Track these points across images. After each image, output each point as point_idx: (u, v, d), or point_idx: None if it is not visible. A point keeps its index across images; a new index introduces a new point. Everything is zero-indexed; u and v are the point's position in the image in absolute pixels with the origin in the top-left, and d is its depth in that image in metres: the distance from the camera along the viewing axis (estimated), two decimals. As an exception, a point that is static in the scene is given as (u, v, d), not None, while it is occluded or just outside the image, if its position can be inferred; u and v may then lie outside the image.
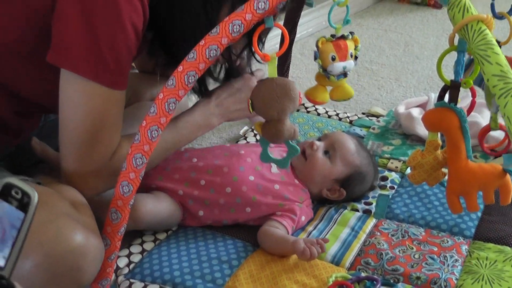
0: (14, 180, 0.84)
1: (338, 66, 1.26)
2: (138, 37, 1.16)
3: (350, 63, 1.27)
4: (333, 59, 1.25)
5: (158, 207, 1.33)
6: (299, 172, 1.42)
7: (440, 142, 1.07)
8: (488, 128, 1.20)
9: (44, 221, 1.03)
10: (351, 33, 1.29)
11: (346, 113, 1.88)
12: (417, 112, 1.72)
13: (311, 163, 1.41)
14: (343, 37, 1.27)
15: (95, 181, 1.23)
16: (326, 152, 1.41)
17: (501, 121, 1.06)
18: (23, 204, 0.82)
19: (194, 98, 2.02)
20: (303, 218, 1.36)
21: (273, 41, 2.11)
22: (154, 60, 1.44)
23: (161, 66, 1.43)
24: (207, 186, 1.36)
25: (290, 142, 1.08)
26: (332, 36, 1.26)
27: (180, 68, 1.01)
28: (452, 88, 1.02)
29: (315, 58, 1.28)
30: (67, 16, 1.10)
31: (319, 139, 1.46)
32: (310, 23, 2.55)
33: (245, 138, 1.74)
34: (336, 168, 1.40)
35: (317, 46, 1.27)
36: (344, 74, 1.27)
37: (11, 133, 1.30)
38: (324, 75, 1.27)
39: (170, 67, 1.36)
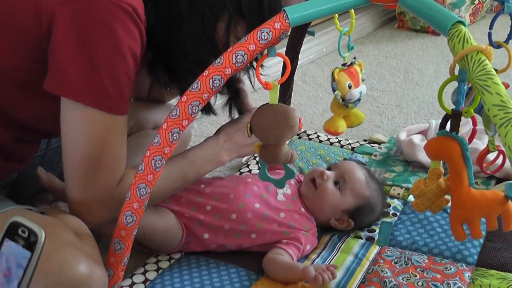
0: (21, 219, 0.83)
1: (355, 93, 1.28)
2: (137, 63, 1.17)
3: (363, 87, 1.29)
4: (350, 87, 1.27)
5: (155, 219, 1.34)
6: (308, 201, 1.42)
7: (442, 170, 1.08)
8: (487, 151, 1.21)
9: (49, 251, 1.03)
10: (354, 58, 1.31)
11: (348, 140, 1.88)
12: (418, 139, 1.73)
13: (321, 193, 1.41)
14: (352, 64, 1.29)
15: (100, 210, 1.21)
16: (336, 183, 1.41)
17: (497, 142, 1.07)
18: (30, 243, 0.82)
19: (195, 125, 2.04)
20: (308, 247, 1.36)
21: (275, 68, 2.13)
22: (150, 81, 1.44)
23: (162, 84, 1.41)
24: (212, 211, 1.37)
25: (288, 165, 1.09)
26: (343, 65, 1.28)
27: (184, 98, 1.02)
28: (454, 117, 1.04)
29: (334, 90, 1.29)
30: (64, 45, 1.10)
31: (329, 168, 1.46)
32: (311, 50, 2.57)
33: (248, 166, 1.74)
34: (346, 200, 1.40)
35: (333, 77, 1.28)
36: (359, 99, 1.29)
37: (14, 160, 1.30)
38: (342, 104, 1.29)
39: (171, 84, 1.38)
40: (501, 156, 1.23)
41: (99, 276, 1.07)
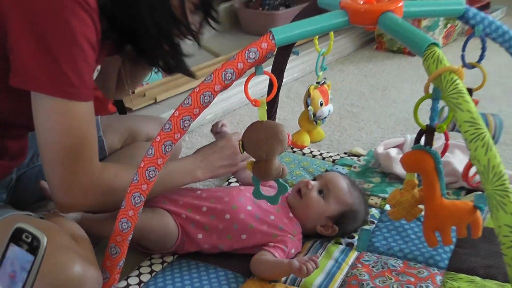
0: (25, 225, 0.84)
1: (325, 110, 1.28)
2: (94, 50, 1.14)
3: (331, 106, 1.28)
4: (321, 104, 1.27)
5: (153, 219, 1.33)
6: (295, 210, 1.42)
7: (417, 181, 1.08)
8: (470, 165, 1.21)
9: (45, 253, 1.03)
10: (325, 78, 1.31)
11: (329, 152, 1.88)
12: (395, 152, 1.72)
13: (306, 202, 1.40)
14: (324, 83, 1.29)
15: (84, 195, 1.18)
16: (320, 192, 1.41)
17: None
18: (33, 248, 0.83)
19: (187, 138, 2.03)
20: (293, 250, 1.35)
21: (261, 85, 2.13)
22: (117, 68, 1.43)
23: (131, 60, 1.39)
24: (208, 212, 1.37)
25: (280, 180, 1.08)
26: (317, 83, 1.28)
27: (176, 113, 1.02)
28: (427, 132, 1.04)
29: (308, 105, 1.29)
30: (21, 42, 1.08)
31: (314, 179, 1.45)
32: (295, 68, 2.57)
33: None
34: (330, 207, 1.39)
35: (308, 93, 1.28)
36: (325, 118, 1.29)
37: (5, 158, 1.27)
38: (313, 120, 1.28)
39: (140, 59, 1.35)
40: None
41: (93, 276, 1.07)
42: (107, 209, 1.29)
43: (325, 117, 1.28)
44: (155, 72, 2.11)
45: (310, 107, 1.29)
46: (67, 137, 1.13)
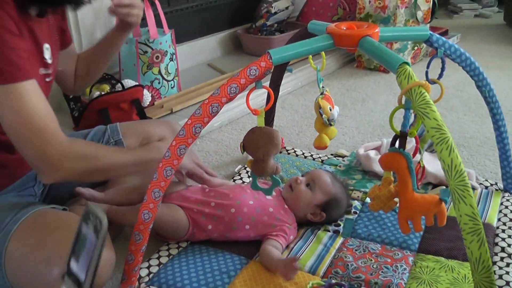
0: (93, 206, 0.80)
1: (334, 113, 1.28)
2: (14, 33, 1.08)
3: (337, 108, 1.29)
4: (330, 109, 1.27)
5: (166, 213, 1.32)
6: (288, 202, 1.42)
7: (392, 178, 1.08)
8: (419, 167, 1.21)
9: (65, 239, 1.02)
10: (323, 87, 1.32)
11: (318, 154, 1.87)
12: (373, 154, 1.72)
13: (296, 193, 1.40)
14: (325, 91, 1.29)
15: (59, 165, 1.12)
16: (307, 185, 1.41)
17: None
18: (97, 230, 0.79)
19: (198, 142, 2.03)
20: (291, 237, 1.36)
21: (261, 97, 2.13)
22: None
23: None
24: (216, 206, 1.36)
25: (274, 176, 1.09)
26: (321, 94, 1.29)
27: (189, 121, 1.02)
28: (401, 137, 1.04)
29: (321, 115, 1.29)
30: None
31: (302, 176, 1.45)
32: (289, 83, 2.57)
33: (239, 174, 1.73)
34: (316, 196, 1.39)
35: (319, 104, 1.29)
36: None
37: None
38: (327, 124, 1.29)
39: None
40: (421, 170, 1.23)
41: (107, 256, 1.07)
42: (85, 180, 1.28)
43: (335, 118, 1.29)
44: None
45: (324, 116, 1.29)
46: (20, 116, 1.08)
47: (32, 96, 1.09)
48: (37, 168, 1.14)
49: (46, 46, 1.23)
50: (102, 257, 1.01)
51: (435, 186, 1.60)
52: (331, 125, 1.30)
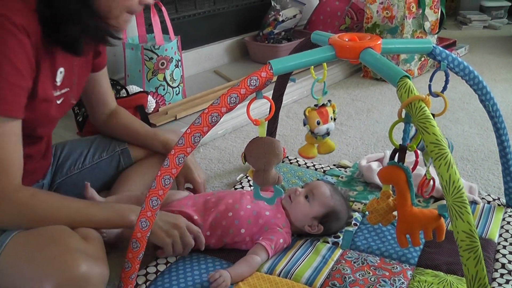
0: None
1: (322, 128, 1.27)
2: (17, 69, 1.05)
3: (331, 125, 1.28)
4: (318, 123, 1.26)
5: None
6: (286, 211, 1.41)
7: (391, 192, 1.07)
8: (425, 179, 1.21)
9: (54, 256, 1.03)
10: (329, 101, 1.31)
11: (320, 164, 1.87)
12: (376, 165, 1.71)
13: (294, 205, 1.40)
14: (323, 105, 1.28)
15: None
16: (306, 196, 1.40)
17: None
18: None
19: (201, 150, 2.03)
20: (281, 240, 1.34)
21: (265, 106, 2.13)
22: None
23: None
24: (215, 211, 1.37)
25: (276, 186, 1.08)
26: (315, 105, 1.28)
27: (188, 130, 1.01)
28: (400, 151, 1.03)
29: (304, 124, 1.29)
30: None
31: (302, 187, 1.45)
32: (294, 92, 2.57)
33: (241, 183, 1.72)
34: (314, 209, 1.38)
35: (304, 114, 1.28)
36: (327, 134, 1.29)
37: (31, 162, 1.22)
38: (312, 136, 1.28)
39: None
40: (431, 182, 1.23)
41: (99, 273, 1.05)
42: (27, 227, 1.10)
43: (324, 134, 1.28)
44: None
45: (306, 125, 1.29)
46: None
47: (5, 135, 1.06)
48: None
49: (60, 70, 1.22)
50: (92, 274, 1.01)
51: (436, 199, 1.59)
52: (316, 138, 1.29)
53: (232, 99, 1.00)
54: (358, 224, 1.48)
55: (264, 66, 1.02)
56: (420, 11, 2.74)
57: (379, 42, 1.08)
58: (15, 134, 1.09)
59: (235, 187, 1.70)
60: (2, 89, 1.04)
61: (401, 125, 1.03)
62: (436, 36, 2.90)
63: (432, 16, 2.80)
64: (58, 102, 1.24)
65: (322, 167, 1.84)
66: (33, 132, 1.11)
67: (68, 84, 1.27)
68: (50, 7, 1.10)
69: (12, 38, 1.04)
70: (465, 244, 0.81)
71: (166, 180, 1.04)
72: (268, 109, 1.06)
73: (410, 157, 1.15)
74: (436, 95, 1.22)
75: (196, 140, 1.01)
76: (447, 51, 1.23)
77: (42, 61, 1.13)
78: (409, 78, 0.94)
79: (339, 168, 1.84)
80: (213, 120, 1.01)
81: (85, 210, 1.18)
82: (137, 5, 1.20)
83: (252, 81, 1.01)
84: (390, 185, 1.07)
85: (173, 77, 2.28)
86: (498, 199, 1.60)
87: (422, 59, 2.88)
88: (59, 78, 1.22)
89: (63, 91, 1.25)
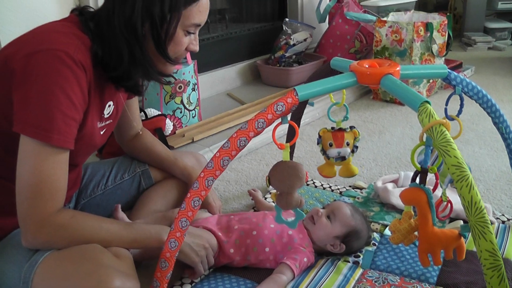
0: None
1: (333, 151, 1.30)
2: (71, 100, 1.09)
3: (345, 150, 1.31)
4: (330, 145, 1.29)
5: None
6: (309, 232, 1.45)
7: (413, 213, 1.10)
8: (440, 201, 1.24)
9: (89, 272, 1.07)
10: (352, 127, 1.33)
11: (337, 185, 1.90)
12: (391, 186, 1.74)
13: (317, 225, 1.44)
14: (341, 129, 1.31)
15: (36, 233, 1.10)
16: (328, 217, 1.44)
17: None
18: None
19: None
20: (305, 259, 1.38)
21: (279, 129, 2.16)
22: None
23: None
24: (239, 229, 1.41)
25: (298, 210, 1.11)
26: (332, 128, 1.31)
27: (217, 154, 1.05)
28: (422, 173, 1.06)
29: (318, 143, 1.32)
30: (16, 92, 1.07)
31: (323, 208, 1.48)
32: (307, 115, 2.60)
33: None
34: (336, 229, 1.42)
35: (319, 134, 1.31)
36: (342, 158, 1.31)
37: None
38: (325, 156, 1.31)
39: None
40: (449, 205, 1.26)
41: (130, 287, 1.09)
42: (65, 247, 1.13)
43: (336, 157, 1.31)
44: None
45: (319, 145, 1.32)
46: (34, 176, 1.07)
47: (55, 163, 1.09)
48: (21, 227, 1.12)
49: (109, 103, 1.29)
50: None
51: (451, 219, 1.62)
52: (329, 159, 1.32)
53: (259, 124, 1.04)
54: (376, 244, 1.51)
55: (290, 92, 1.06)
56: (428, 34, 2.79)
57: (398, 68, 1.12)
58: (65, 163, 1.13)
59: (254, 208, 1.73)
60: (58, 120, 1.07)
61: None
62: (443, 58, 2.95)
63: (439, 39, 2.85)
64: (101, 132, 1.30)
65: (338, 188, 1.87)
66: (72, 161, 1.16)
67: (112, 116, 1.33)
68: (103, 49, 1.16)
69: (69, 72, 1.08)
70: (488, 262, 0.84)
71: (195, 202, 1.07)
72: (283, 132, 1.08)
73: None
74: (451, 118, 1.25)
75: (224, 164, 1.05)
76: (461, 76, 1.27)
77: (93, 95, 1.18)
78: (429, 103, 0.98)
79: (355, 189, 1.87)
80: (241, 144, 1.04)
81: (119, 231, 1.21)
82: (184, 51, 1.25)
83: (278, 106, 1.05)
84: (412, 206, 1.09)
85: (189, 100, 2.33)
86: (513, 219, 1.62)
87: (431, 81, 2.92)
88: (107, 111, 1.28)
89: (107, 122, 1.31)
